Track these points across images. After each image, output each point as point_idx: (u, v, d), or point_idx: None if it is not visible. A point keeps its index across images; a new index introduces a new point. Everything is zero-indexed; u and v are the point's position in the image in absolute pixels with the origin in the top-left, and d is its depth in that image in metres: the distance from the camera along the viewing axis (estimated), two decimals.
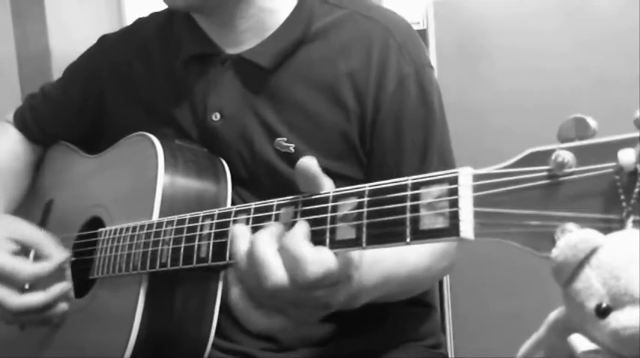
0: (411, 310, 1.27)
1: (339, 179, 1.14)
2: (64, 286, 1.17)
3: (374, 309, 1.17)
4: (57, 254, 1.18)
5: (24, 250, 1.20)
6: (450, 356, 2.09)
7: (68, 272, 1.21)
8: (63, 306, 1.18)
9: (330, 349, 1.18)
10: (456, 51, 2.10)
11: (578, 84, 2.00)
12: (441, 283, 2.08)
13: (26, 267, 1.15)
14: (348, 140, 1.15)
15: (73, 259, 1.22)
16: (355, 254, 0.82)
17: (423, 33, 2.10)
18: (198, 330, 1.09)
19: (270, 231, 0.81)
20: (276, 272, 0.77)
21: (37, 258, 1.19)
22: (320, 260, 0.76)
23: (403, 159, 1.15)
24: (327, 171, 1.13)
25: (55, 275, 1.17)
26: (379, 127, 1.14)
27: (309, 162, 0.81)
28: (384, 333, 1.22)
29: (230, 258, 0.87)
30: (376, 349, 1.21)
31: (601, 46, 1.99)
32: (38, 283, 1.16)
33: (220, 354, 1.16)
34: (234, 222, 0.89)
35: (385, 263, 0.97)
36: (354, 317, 1.14)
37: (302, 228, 0.79)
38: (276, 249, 0.79)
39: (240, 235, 0.82)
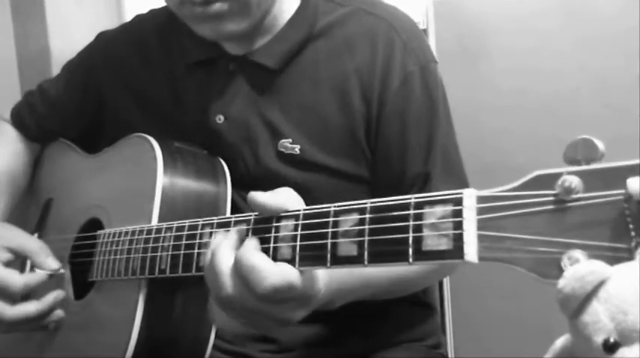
0: (411, 310, 1.27)
1: (345, 179, 1.15)
2: (58, 295, 1.17)
3: (374, 309, 1.17)
4: (48, 263, 1.18)
5: (19, 260, 1.20)
6: (450, 356, 2.09)
7: (67, 275, 1.21)
8: (58, 313, 1.19)
9: (330, 349, 1.18)
10: (456, 50, 2.10)
11: (578, 84, 2.00)
12: (441, 283, 2.08)
13: (18, 278, 1.14)
14: (355, 138, 1.15)
15: (64, 270, 1.22)
16: (322, 273, 0.83)
17: (423, 32, 2.09)
18: (199, 332, 1.09)
19: (228, 242, 0.84)
20: (228, 282, 0.80)
21: (33, 268, 1.19)
22: (279, 272, 0.78)
23: (407, 155, 1.15)
24: (333, 171, 1.14)
25: (50, 284, 1.17)
26: (384, 124, 1.14)
27: (255, 199, 0.84)
28: (385, 333, 1.23)
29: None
30: (376, 349, 1.21)
31: (601, 46, 1.98)
32: (32, 292, 1.16)
33: (220, 355, 1.16)
34: None
35: (366, 268, 0.98)
36: (354, 317, 1.14)
37: (252, 241, 0.82)
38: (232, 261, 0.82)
39: (211, 246, 0.86)
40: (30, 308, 1.15)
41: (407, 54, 1.14)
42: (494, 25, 2.08)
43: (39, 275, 1.16)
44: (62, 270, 1.20)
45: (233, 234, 0.85)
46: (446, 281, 2.08)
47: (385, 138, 1.15)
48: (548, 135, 1.81)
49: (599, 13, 2.00)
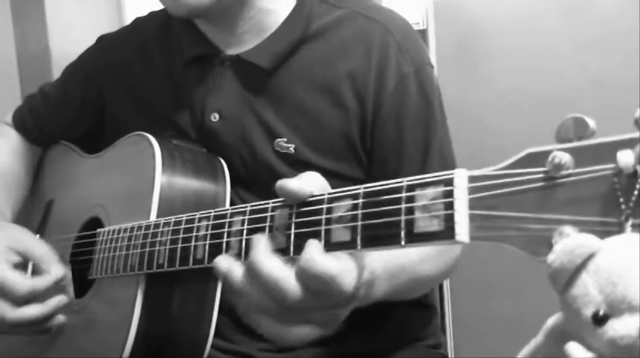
0: (411, 311, 1.26)
1: (339, 179, 1.14)
2: (61, 299, 1.15)
3: (375, 310, 1.17)
4: (55, 270, 1.15)
5: (24, 262, 1.18)
6: (450, 356, 2.09)
7: (68, 275, 1.20)
8: (60, 318, 1.17)
9: (330, 349, 1.17)
10: (456, 51, 2.11)
11: (578, 84, 2.00)
12: (441, 283, 2.08)
13: (24, 282, 1.12)
14: (349, 140, 1.14)
15: (71, 266, 1.21)
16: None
17: (423, 33, 2.10)
18: (197, 330, 1.09)
19: (264, 249, 0.78)
20: (291, 287, 0.73)
21: (36, 271, 1.17)
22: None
23: (404, 158, 1.14)
24: (327, 172, 1.13)
25: (53, 289, 1.15)
26: (380, 127, 1.13)
27: (284, 186, 0.80)
28: (385, 334, 1.22)
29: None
30: (376, 349, 1.20)
31: (601, 46, 1.99)
32: (36, 296, 1.14)
33: (219, 354, 1.16)
34: (230, 223, 0.88)
35: (399, 257, 0.97)
36: (354, 317, 1.14)
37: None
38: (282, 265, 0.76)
39: (228, 267, 0.79)
40: (32, 311, 1.12)
41: (402, 56, 1.14)
42: (494, 25, 2.09)
43: (45, 280, 1.14)
44: (68, 276, 1.19)
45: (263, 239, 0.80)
46: (446, 281, 2.08)
47: (381, 140, 1.14)
48: (548, 135, 1.80)
49: (599, 13, 2.00)
